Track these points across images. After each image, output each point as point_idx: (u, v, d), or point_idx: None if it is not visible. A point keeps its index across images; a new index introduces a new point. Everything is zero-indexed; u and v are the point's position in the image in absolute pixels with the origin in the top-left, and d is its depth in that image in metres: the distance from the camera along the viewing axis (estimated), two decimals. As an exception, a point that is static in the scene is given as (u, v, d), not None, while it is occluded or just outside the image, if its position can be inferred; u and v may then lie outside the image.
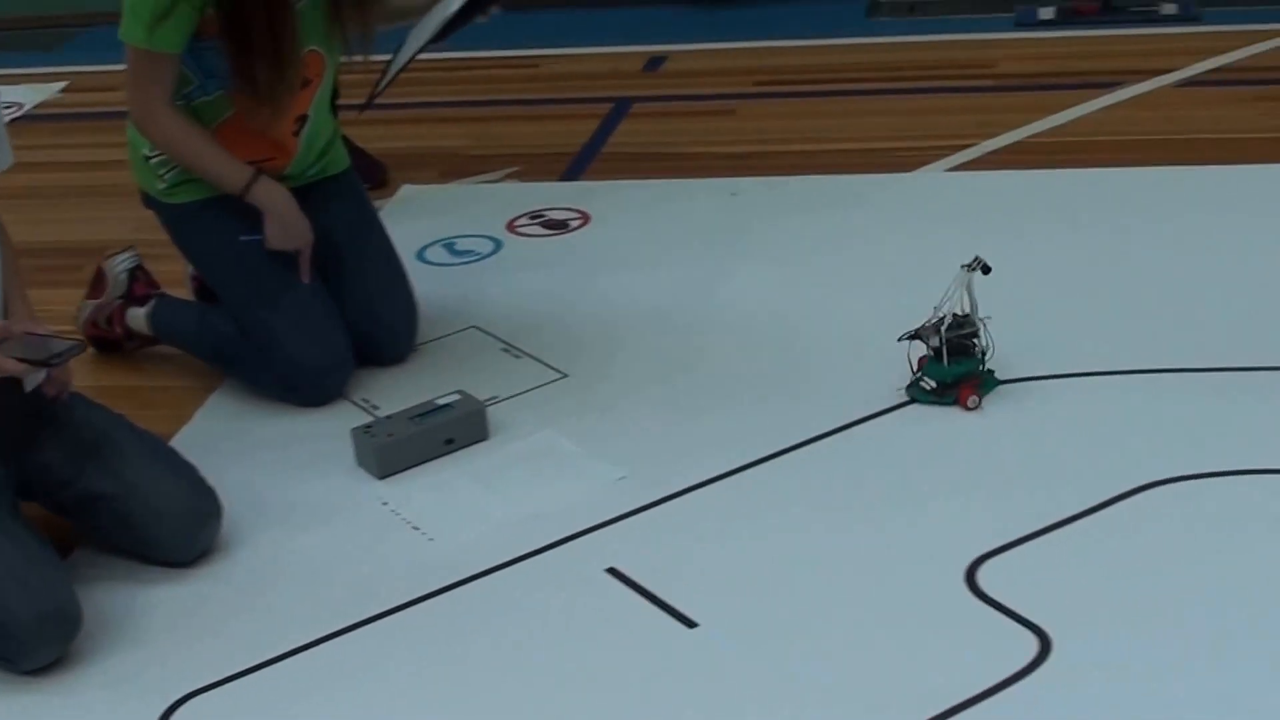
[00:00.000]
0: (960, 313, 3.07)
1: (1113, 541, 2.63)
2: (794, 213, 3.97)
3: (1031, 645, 2.39)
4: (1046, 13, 5.38)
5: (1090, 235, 3.73)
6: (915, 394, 3.08)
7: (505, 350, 3.41)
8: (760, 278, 3.65)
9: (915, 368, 3.08)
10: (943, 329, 3.05)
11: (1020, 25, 5.34)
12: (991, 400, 3.05)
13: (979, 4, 5.57)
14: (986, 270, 3.06)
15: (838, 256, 3.72)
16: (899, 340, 3.08)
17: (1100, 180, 4.03)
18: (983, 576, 2.55)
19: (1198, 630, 2.41)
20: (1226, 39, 5.03)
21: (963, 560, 2.59)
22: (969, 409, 3.02)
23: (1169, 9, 5.34)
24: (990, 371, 3.09)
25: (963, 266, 3.06)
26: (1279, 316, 3.30)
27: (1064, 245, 3.69)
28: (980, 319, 3.07)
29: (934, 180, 4.14)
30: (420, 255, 3.89)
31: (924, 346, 3.07)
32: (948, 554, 2.61)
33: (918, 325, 3.07)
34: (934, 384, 3.05)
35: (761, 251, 3.78)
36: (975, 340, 3.06)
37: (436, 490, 2.95)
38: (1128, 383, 3.10)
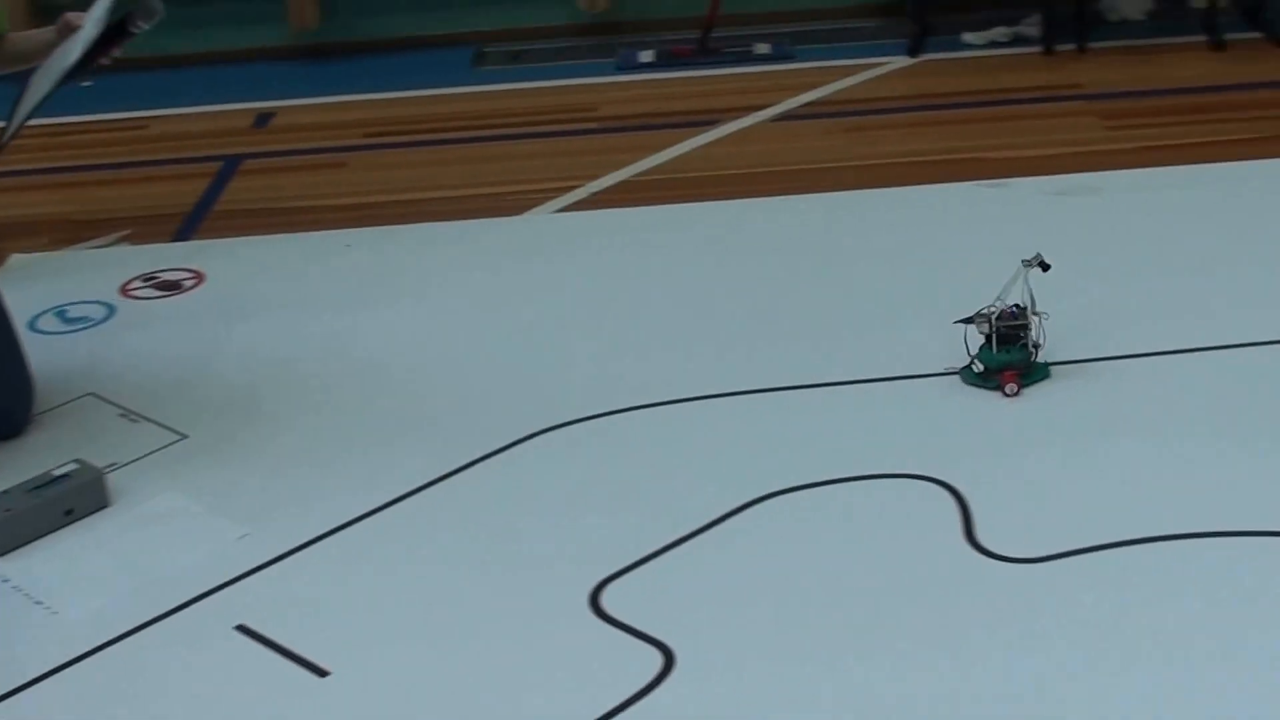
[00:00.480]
0: (1019, 305, 3.25)
1: (729, 553, 2.74)
2: (408, 261, 4.02)
3: (656, 660, 2.47)
4: (646, 56, 5.54)
5: (694, 266, 3.86)
6: (966, 376, 3.24)
7: (123, 415, 3.37)
8: (378, 325, 3.68)
9: (971, 351, 3.25)
10: (993, 318, 3.21)
11: (622, 69, 5.49)
12: (622, 424, 3.16)
13: (581, 50, 5.71)
14: (1045, 267, 3.24)
15: (453, 300, 3.78)
16: (954, 324, 3.27)
17: (703, 213, 4.19)
18: (606, 598, 2.63)
19: (817, 631, 2.51)
20: (817, 75, 5.27)
21: (587, 583, 2.66)
22: (1008, 395, 3.18)
23: (763, 49, 5.56)
24: (1043, 365, 3.25)
25: (1022, 262, 3.24)
26: (863, 335, 3.49)
27: (671, 276, 3.82)
28: (1036, 313, 3.24)
29: (543, 222, 4.24)
30: (32, 325, 3.81)
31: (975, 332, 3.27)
32: (572, 579, 2.68)
33: (974, 311, 3.26)
34: (982, 368, 3.22)
35: (379, 300, 3.81)
36: (1025, 332, 3.23)
37: (59, 562, 2.89)
38: (750, 401, 3.23)
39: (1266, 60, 5.33)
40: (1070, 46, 5.49)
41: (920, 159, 4.52)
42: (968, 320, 3.27)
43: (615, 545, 2.76)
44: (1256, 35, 5.55)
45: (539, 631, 2.57)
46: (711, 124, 4.85)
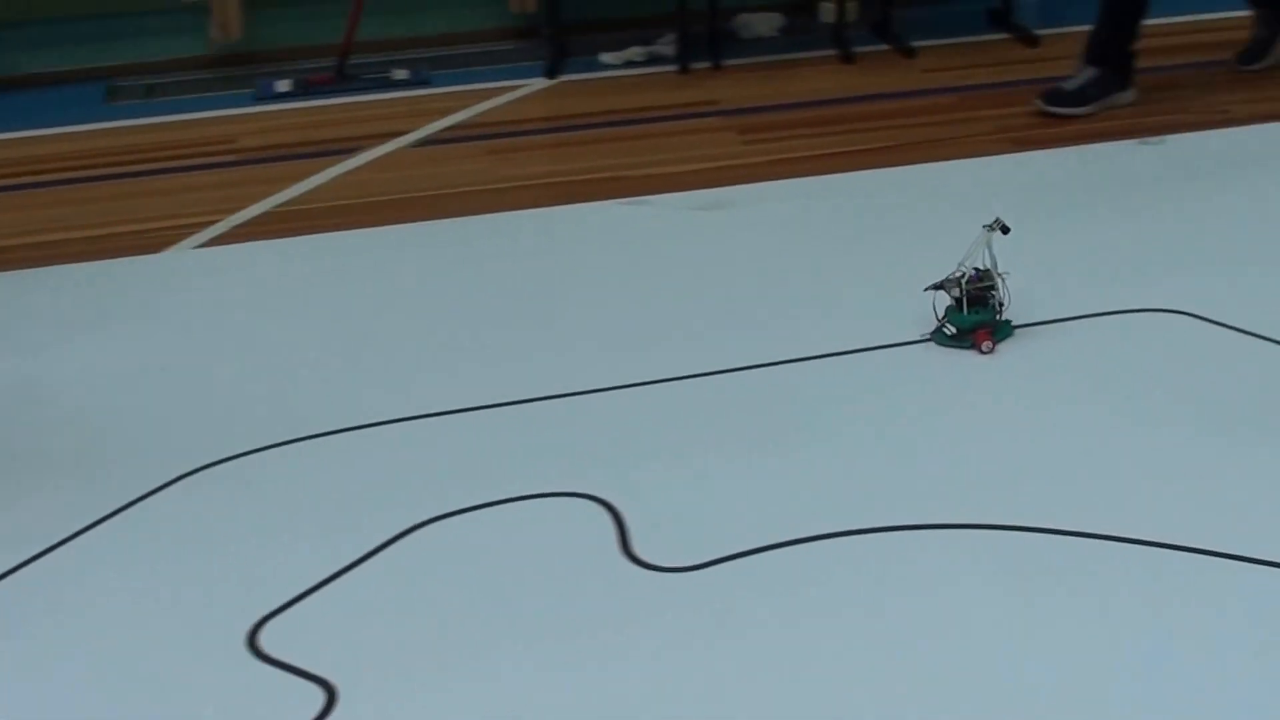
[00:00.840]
0: (981, 268, 3.40)
1: (387, 583, 2.72)
2: (43, 307, 3.89)
3: (317, 697, 2.44)
4: (283, 85, 5.48)
5: (346, 295, 3.83)
6: (938, 339, 3.39)
7: None
8: (18, 373, 3.55)
9: (939, 315, 3.41)
10: (963, 281, 3.34)
11: (260, 99, 5.41)
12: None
13: (217, 82, 5.62)
14: (1006, 230, 3.38)
15: (98, 343, 3.67)
16: (924, 290, 3.40)
17: (346, 242, 4.15)
18: (264, 637, 2.58)
19: (476, 655, 2.51)
20: (456, 99, 5.28)
21: (244, 623, 2.61)
22: (984, 353, 3.33)
23: (400, 75, 5.54)
24: (1007, 321, 3.41)
25: (984, 227, 3.38)
26: (520, 355, 3.50)
27: (324, 305, 3.78)
28: (999, 274, 3.38)
29: (184, 258, 4.15)
30: None
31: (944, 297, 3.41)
32: (229, 619, 2.62)
33: (942, 277, 3.40)
34: (954, 329, 3.37)
35: (18, 347, 3.68)
36: (993, 293, 3.37)
37: None
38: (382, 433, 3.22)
39: (894, 72, 5.51)
40: (705, 64, 5.60)
41: (562, 179, 4.56)
42: (938, 286, 3.40)
43: (272, 582, 2.71)
44: (884, 47, 5.73)
45: (197, 676, 2.52)
46: (352, 151, 4.82)
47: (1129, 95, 5.01)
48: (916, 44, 5.69)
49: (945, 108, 5.09)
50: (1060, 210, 4.15)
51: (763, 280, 3.81)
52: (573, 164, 4.69)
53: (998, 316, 3.41)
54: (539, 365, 3.44)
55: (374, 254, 4.07)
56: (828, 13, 5.90)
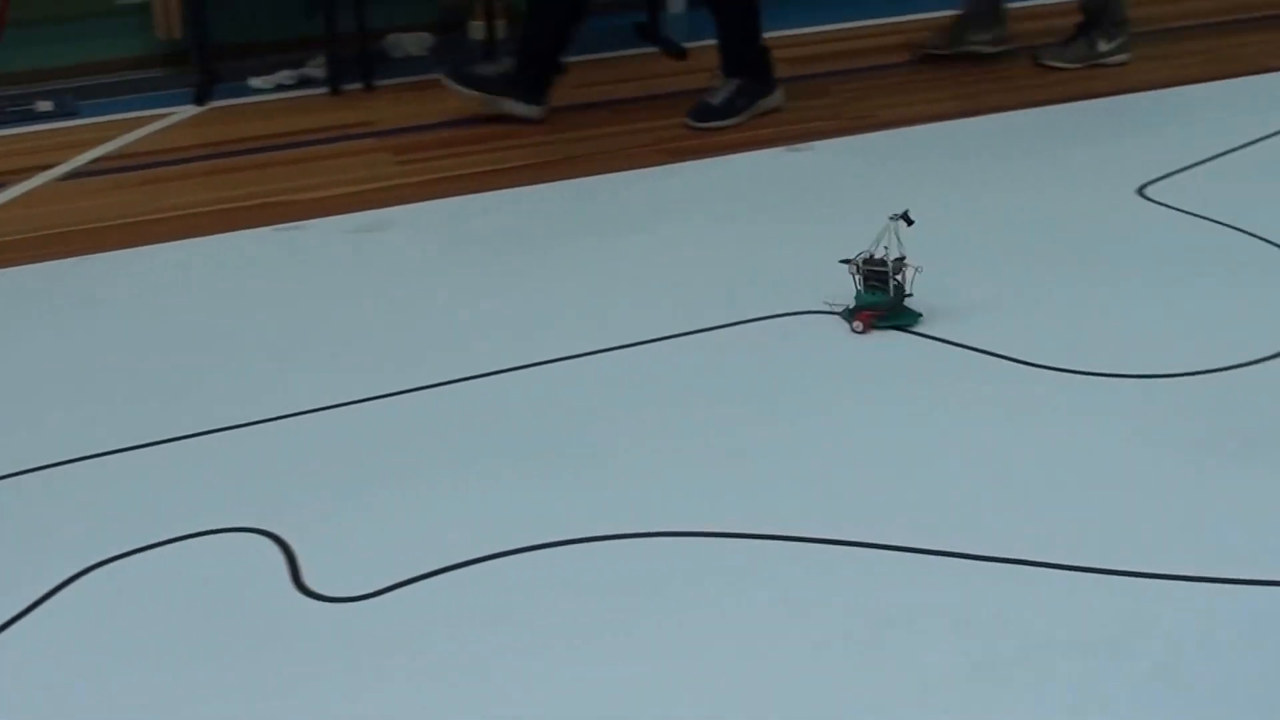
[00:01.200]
0: (891, 256, 3.58)
1: (56, 632, 2.65)
2: None
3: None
4: (-75, 120, 5.31)
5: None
6: (845, 315, 3.62)
7: None
8: None
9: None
10: (860, 262, 3.60)
11: (-105, 136, 5.23)
12: None
13: None
14: (910, 221, 3.58)
15: None
16: (839, 262, 3.62)
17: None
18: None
19: (152, 701, 2.47)
20: (106, 128, 5.17)
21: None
22: (854, 331, 3.55)
23: (44, 106, 5.40)
24: (913, 313, 3.60)
25: (889, 217, 3.58)
26: (198, 387, 3.46)
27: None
28: (906, 264, 3.57)
29: None
30: None
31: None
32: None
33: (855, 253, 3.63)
34: (852, 305, 3.61)
35: None
36: (893, 278, 3.57)
37: None
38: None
39: (545, 87, 5.57)
40: (357, 85, 5.58)
41: (217, 207, 4.50)
42: (846, 260, 3.62)
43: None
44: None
45: None
46: (-3, 188, 4.70)
47: (776, 98, 5.14)
48: (565, 60, 5.75)
49: (598, 122, 5.17)
50: (715, 218, 4.26)
51: (431, 301, 3.83)
52: (226, 191, 4.64)
53: (899, 304, 3.60)
54: (200, 398, 3.39)
55: (20, 295, 3.96)
56: (477, 30, 5.94)
